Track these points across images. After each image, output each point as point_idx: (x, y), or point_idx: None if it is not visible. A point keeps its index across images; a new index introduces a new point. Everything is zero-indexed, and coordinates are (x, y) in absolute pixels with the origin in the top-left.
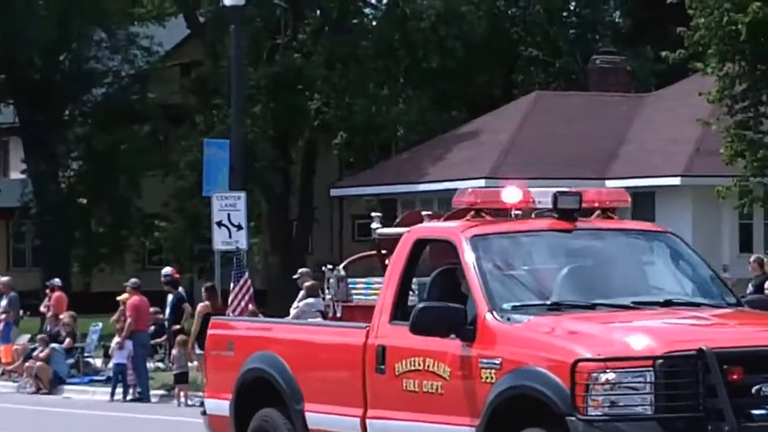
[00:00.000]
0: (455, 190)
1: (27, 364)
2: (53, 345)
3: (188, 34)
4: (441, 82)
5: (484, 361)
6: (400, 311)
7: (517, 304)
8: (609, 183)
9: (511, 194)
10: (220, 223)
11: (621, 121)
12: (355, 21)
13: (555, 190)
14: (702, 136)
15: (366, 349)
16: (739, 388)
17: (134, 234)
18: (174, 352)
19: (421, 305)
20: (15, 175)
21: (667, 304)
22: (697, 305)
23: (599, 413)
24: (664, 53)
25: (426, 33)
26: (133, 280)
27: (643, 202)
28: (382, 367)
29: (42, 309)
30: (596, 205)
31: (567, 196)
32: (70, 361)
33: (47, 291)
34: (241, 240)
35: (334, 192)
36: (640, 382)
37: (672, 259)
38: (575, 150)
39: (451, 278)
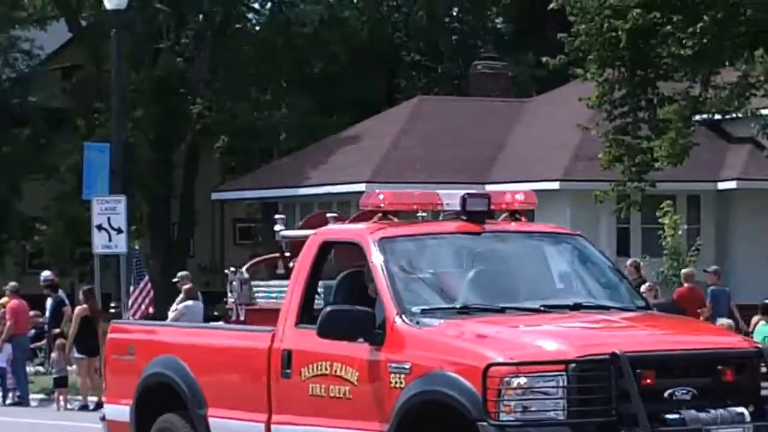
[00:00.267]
0: (336, 194)
1: None
2: None
3: (70, 38)
4: (324, 86)
5: (393, 365)
6: (306, 315)
7: (427, 307)
8: (489, 187)
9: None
10: (100, 227)
11: (502, 126)
12: (238, 25)
13: (464, 192)
14: (581, 141)
15: (271, 353)
16: (652, 393)
17: (14, 237)
18: (53, 355)
19: (328, 309)
20: None
21: (577, 307)
22: (607, 308)
23: (511, 418)
24: (544, 59)
25: (309, 38)
26: (12, 283)
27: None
28: (288, 371)
29: None
30: (504, 207)
31: (476, 198)
32: None
33: None
34: (120, 243)
35: (215, 195)
36: (552, 387)
37: (581, 261)
38: (456, 154)
39: (357, 281)
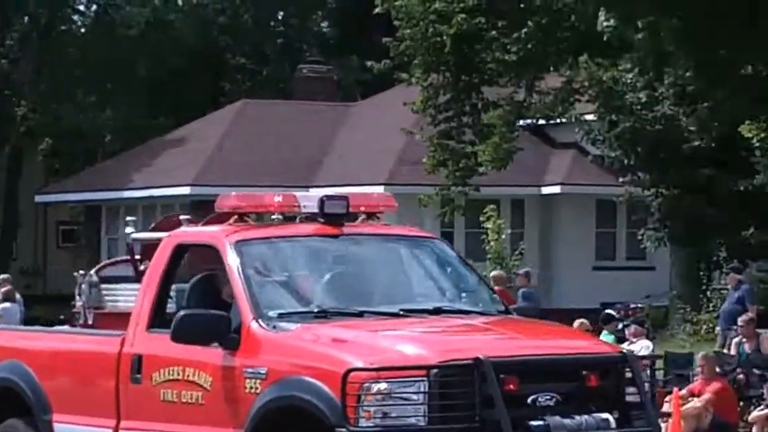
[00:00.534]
0: (160, 197)
1: None
2: None
3: None
4: (149, 88)
5: (249, 370)
6: (158, 319)
7: (283, 311)
8: (314, 191)
9: (273, 198)
10: None
11: (327, 129)
12: (63, 27)
13: (322, 194)
14: (406, 146)
15: (121, 357)
16: (516, 399)
17: None
18: None
19: (182, 313)
20: None
21: (437, 311)
22: (467, 313)
23: (371, 425)
24: (369, 63)
25: (134, 40)
26: None
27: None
28: (138, 376)
29: None
30: (362, 209)
31: (334, 200)
32: None
33: None
34: None
35: (38, 198)
36: (413, 393)
37: (439, 265)
38: (281, 158)
39: (211, 285)
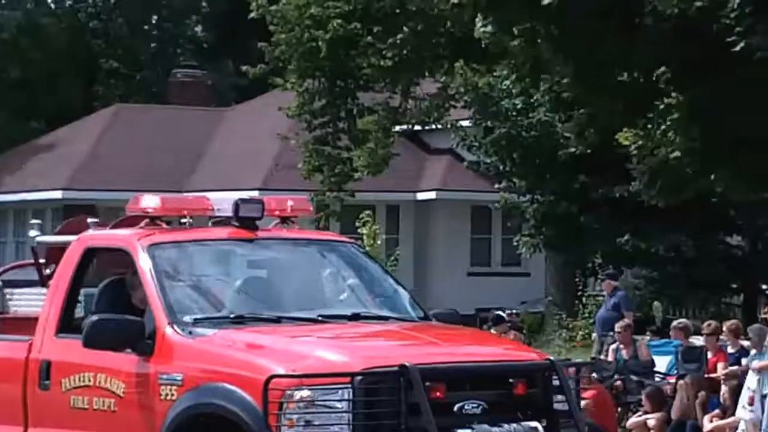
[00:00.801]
0: (32, 201)
1: None
2: None
3: None
4: (21, 92)
5: (164, 377)
6: (67, 324)
7: (199, 316)
8: (188, 195)
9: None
10: None
11: (201, 134)
12: None
13: (236, 197)
14: (281, 151)
15: (28, 363)
16: (442, 407)
17: None
18: None
19: (95, 318)
20: None
21: (355, 317)
22: (386, 319)
23: None
24: (245, 68)
25: (6, 44)
26: None
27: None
28: (47, 382)
29: None
30: (277, 213)
31: (249, 204)
32: None
33: None
34: None
35: None
36: (337, 400)
37: (356, 270)
38: (155, 162)
39: (121, 289)
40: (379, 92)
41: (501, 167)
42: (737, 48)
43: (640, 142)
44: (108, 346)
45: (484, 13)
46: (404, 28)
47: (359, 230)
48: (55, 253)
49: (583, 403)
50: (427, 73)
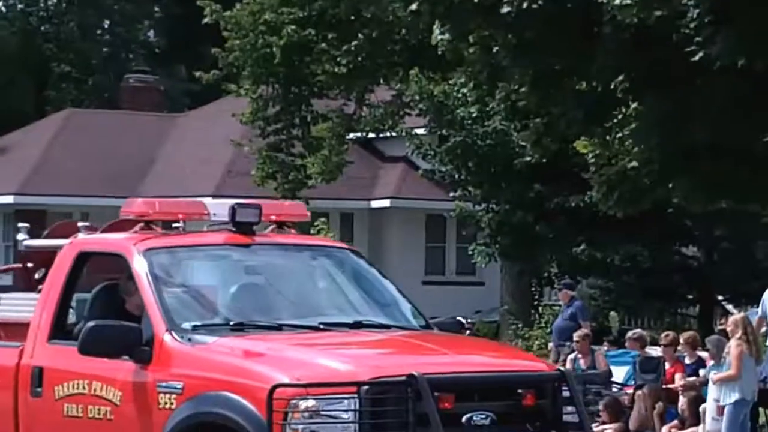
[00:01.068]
0: None
1: None
2: None
3: None
4: None
5: (163, 385)
6: (59, 330)
7: (198, 323)
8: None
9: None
10: None
11: (153, 140)
12: None
13: (233, 202)
14: (234, 157)
15: (19, 370)
16: (451, 418)
17: None
18: None
19: (92, 324)
20: None
21: (357, 325)
22: (387, 327)
23: None
24: (198, 73)
25: None
26: None
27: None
28: (39, 390)
29: None
30: (273, 218)
31: (246, 208)
32: None
33: None
34: None
35: None
36: (342, 410)
37: (355, 276)
38: (106, 167)
39: (114, 295)
40: (333, 99)
41: (456, 176)
42: (696, 58)
43: (597, 151)
44: (104, 353)
45: (441, 20)
46: (359, 34)
47: None
48: (45, 257)
49: None
50: (381, 81)
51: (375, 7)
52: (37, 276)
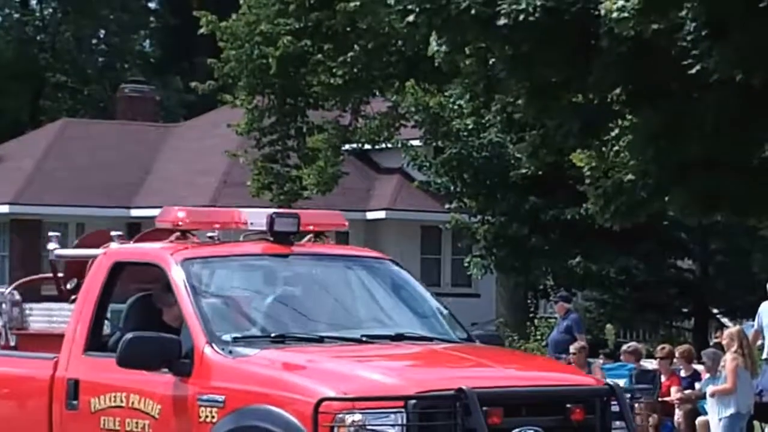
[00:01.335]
0: None
1: None
2: None
3: None
4: None
5: (204, 398)
6: (95, 341)
7: (239, 335)
8: (134, 212)
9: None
10: None
11: (148, 150)
12: None
13: (271, 211)
14: (230, 168)
15: (54, 382)
16: None
17: None
18: None
19: (131, 336)
20: None
21: (399, 338)
22: (429, 339)
23: None
24: (193, 84)
25: None
26: None
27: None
28: (75, 402)
29: None
30: (311, 228)
31: (284, 217)
32: None
33: None
34: None
35: None
36: (389, 425)
37: (395, 288)
38: (102, 178)
39: (149, 306)
40: (328, 110)
41: (451, 187)
42: (693, 71)
43: (593, 164)
44: (144, 366)
45: (438, 32)
46: (355, 46)
47: None
48: (76, 267)
49: None
50: (377, 92)
51: (371, 18)
52: (68, 286)
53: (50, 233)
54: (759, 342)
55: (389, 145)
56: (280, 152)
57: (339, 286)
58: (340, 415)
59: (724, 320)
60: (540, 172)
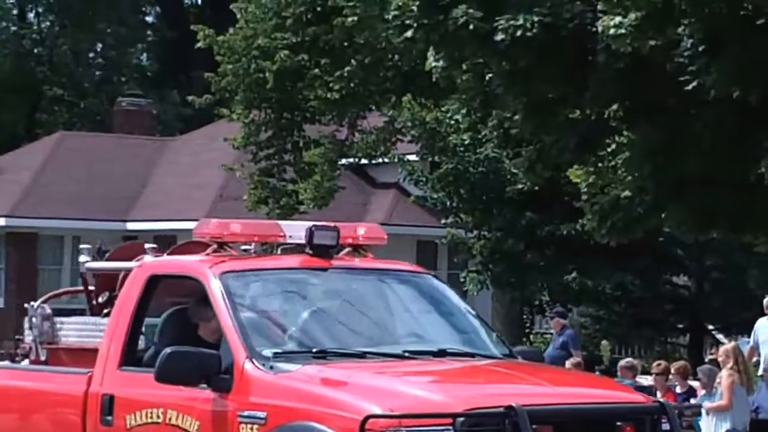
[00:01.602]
0: None
1: None
2: None
3: None
4: None
5: (244, 414)
6: (130, 356)
7: (279, 350)
8: (131, 225)
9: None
10: None
11: (145, 163)
12: None
13: (310, 224)
14: (226, 182)
15: (88, 397)
16: None
17: None
18: None
19: (169, 351)
20: None
21: (442, 353)
22: (472, 356)
23: None
24: (190, 98)
25: None
26: None
27: (163, 245)
28: (109, 418)
29: None
30: (350, 241)
31: (323, 230)
32: None
33: None
34: None
35: None
36: None
37: (435, 302)
38: (98, 191)
39: (185, 320)
40: (325, 125)
41: (448, 202)
42: (690, 87)
43: (590, 180)
44: (183, 381)
45: (436, 47)
46: (352, 60)
47: None
48: (107, 280)
49: None
50: (374, 107)
51: (368, 33)
52: (100, 300)
53: (81, 246)
54: (755, 358)
55: (386, 160)
56: (277, 166)
57: (379, 300)
58: None
59: (720, 336)
60: (536, 188)
